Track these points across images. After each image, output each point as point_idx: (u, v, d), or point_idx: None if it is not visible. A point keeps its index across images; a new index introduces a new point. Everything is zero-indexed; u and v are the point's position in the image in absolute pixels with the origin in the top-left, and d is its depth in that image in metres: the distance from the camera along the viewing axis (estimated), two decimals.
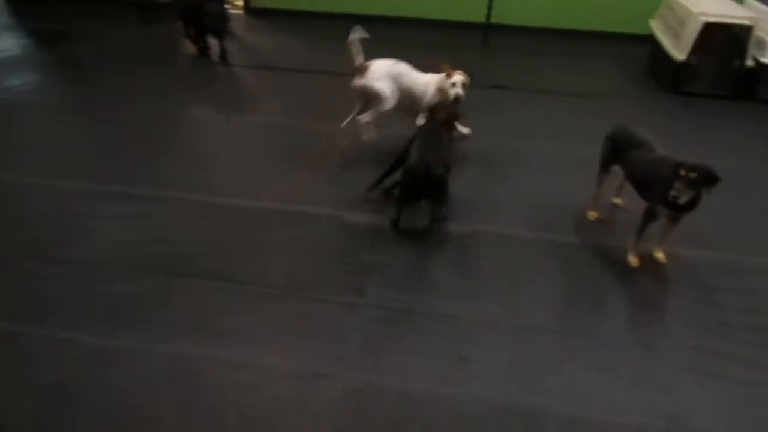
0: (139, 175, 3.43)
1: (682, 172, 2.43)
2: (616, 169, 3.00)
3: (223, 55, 5.29)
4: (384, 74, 3.53)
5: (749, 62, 4.67)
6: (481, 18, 5.89)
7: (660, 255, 2.83)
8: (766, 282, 2.75)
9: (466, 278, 2.69)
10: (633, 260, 2.79)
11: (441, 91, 3.51)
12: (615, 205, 3.20)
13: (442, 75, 3.53)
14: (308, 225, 3.01)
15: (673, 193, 2.45)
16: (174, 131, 4.10)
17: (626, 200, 3.14)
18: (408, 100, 3.64)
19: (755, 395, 2.17)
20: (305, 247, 2.86)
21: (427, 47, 5.76)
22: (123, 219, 3.02)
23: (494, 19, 5.88)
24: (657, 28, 5.36)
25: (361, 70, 3.54)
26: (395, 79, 3.57)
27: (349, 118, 3.76)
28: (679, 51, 4.73)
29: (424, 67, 3.70)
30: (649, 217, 2.69)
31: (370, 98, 3.58)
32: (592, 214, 3.14)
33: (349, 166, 3.59)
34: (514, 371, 2.21)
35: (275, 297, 2.52)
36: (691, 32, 4.61)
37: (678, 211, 2.61)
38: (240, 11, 6.83)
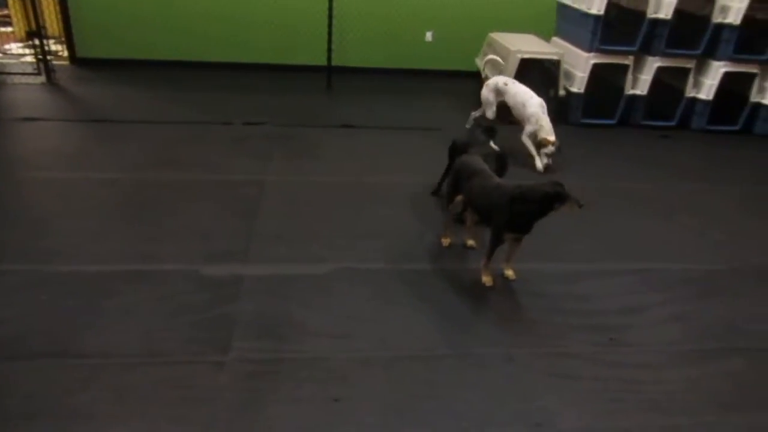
0: None
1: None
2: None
3: None
4: (492, 87, 4.53)
5: (561, 91, 5.29)
6: (323, 61, 6.06)
7: (509, 272, 3.05)
8: (598, 286, 3.08)
9: (333, 318, 2.69)
10: (487, 280, 2.98)
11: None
12: (468, 247, 3.30)
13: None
14: (161, 284, 2.82)
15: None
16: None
17: (477, 237, 3.30)
18: (516, 114, 4.50)
19: (607, 388, 2.39)
20: (160, 308, 2.67)
21: (273, 91, 5.82)
22: None
23: (335, 62, 6.08)
24: (482, 64, 5.88)
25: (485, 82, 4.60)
26: (500, 93, 4.52)
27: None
28: None
29: None
30: (496, 241, 2.89)
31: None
32: (446, 241, 3.31)
33: (204, 215, 3.45)
34: (389, 404, 2.23)
35: (131, 367, 2.32)
36: (511, 67, 5.13)
37: (520, 233, 2.84)
38: (65, 62, 6.35)
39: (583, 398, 2.33)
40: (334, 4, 5.78)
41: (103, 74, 6.08)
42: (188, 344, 2.45)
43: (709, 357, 2.62)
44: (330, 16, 5.78)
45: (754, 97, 5.46)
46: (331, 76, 6.08)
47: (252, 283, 2.87)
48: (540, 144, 4.33)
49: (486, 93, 4.58)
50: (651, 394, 2.38)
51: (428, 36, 6.62)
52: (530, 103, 4.36)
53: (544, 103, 4.35)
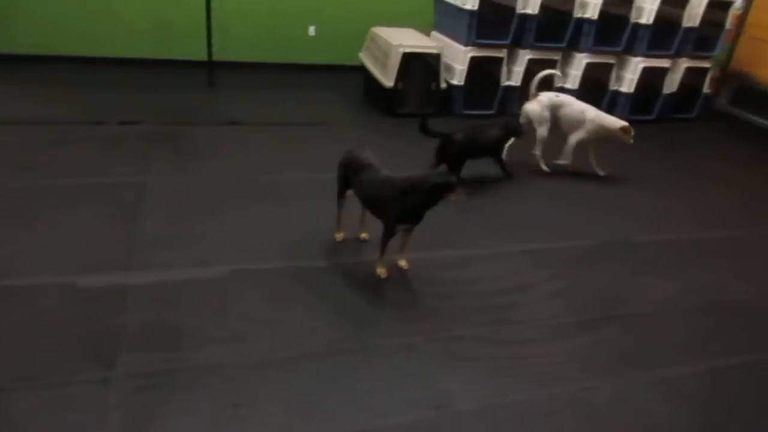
0: None
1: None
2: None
3: None
4: (547, 104, 4.40)
5: (443, 84, 5.47)
6: (203, 56, 5.81)
7: (403, 262, 3.11)
8: (486, 269, 3.23)
9: (227, 322, 2.60)
10: (381, 272, 3.02)
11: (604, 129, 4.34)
12: (362, 240, 3.31)
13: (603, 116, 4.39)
14: (33, 300, 2.57)
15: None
16: None
17: (369, 229, 3.30)
18: (569, 124, 4.44)
19: (500, 366, 2.52)
20: (33, 327, 2.43)
21: (150, 88, 5.50)
22: None
23: (217, 57, 5.85)
24: (366, 59, 5.94)
25: (532, 97, 4.44)
26: (553, 108, 4.38)
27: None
28: (387, 78, 5.31)
29: None
30: (389, 233, 2.93)
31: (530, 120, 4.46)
32: (339, 236, 3.31)
33: (77, 223, 3.18)
34: (292, 403, 2.20)
35: (2, 396, 2.10)
36: (394, 62, 5.22)
37: (412, 223, 2.91)
38: None
39: (478, 377, 2.44)
40: None
41: None
42: (68, 363, 2.26)
43: (588, 327, 2.84)
44: (208, 9, 5.54)
45: (612, 86, 5.96)
46: (213, 71, 5.84)
47: (137, 293, 2.70)
48: (617, 136, 4.32)
49: (540, 110, 4.41)
50: (540, 367, 2.54)
51: (311, 30, 6.57)
52: (588, 108, 4.41)
53: None
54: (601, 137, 4.43)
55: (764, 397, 2.53)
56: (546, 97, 4.45)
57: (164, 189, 3.67)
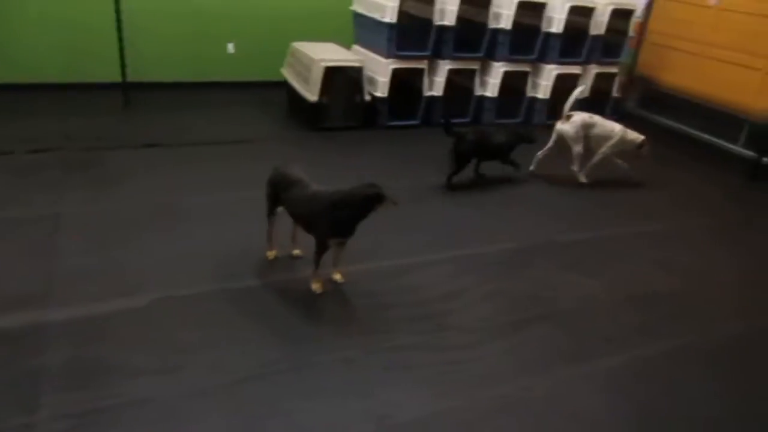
0: None
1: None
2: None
3: None
4: (580, 124, 4.61)
5: (367, 97, 5.52)
6: (117, 77, 5.59)
7: (337, 276, 3.10)
8: (420, 278, 3.27)
9: (158, 353, 2.49)
10: (316, 287, 2.99)
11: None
12: (295, 257, 3.28)
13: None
14: None
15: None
16: None
17: (302, 246, 3.27)
18: (597, 142, 4.72)
19: (439, 374, 2.54)
20: None
21: (62, 114, 5.23)
22: None
23: (132, 78, 5.65)
24: (288, 74, 5.91)
25: (565, 119, 4.65)
26: (585, 128, 4.62)
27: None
28: (311, 93, 5.30)
29: None
30: (322, 248, 2.92)
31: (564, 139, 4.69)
32: (271, 254, 3.26)
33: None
34: (229, 428, 2.14)
35: None
36: (317, 76, 5.22)
37: (344, 237, 2.90)
38: None
39: (418, 386, 2.46)
40: (124, 17, 5.37)
41: None
42: None
43: (520, 327, 2.93)
44: (119, 28, 5.35)
45: (529, 92, 6.21)
46: (127, 92, 5.63)
47: (58, 330, 2.55)
48: (634, 150, 4.71)
49: (574, 132, 4.63)
50: (477, 370, 2.59)
51: (230, 47, 6.47)
52: (615, 125, 4.71)
53: None
54: (621, 151, 4.77)
55: (688, 379, 2.68)
56: (579, 117, 4.69)
57: (81, 219, 3.50)
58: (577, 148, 4.71)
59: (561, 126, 4.71)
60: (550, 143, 4.78)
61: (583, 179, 4.84)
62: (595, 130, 4.71)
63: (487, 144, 4.49)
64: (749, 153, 5.68)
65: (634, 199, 4.70)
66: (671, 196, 4.83)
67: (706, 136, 6.12)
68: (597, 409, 2.45)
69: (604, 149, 4.74)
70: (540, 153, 4.85)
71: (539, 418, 2.36)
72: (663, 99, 6.52)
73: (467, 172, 4.48)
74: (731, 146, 5.97)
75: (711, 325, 3.11)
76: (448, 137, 4.30)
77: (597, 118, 4.75)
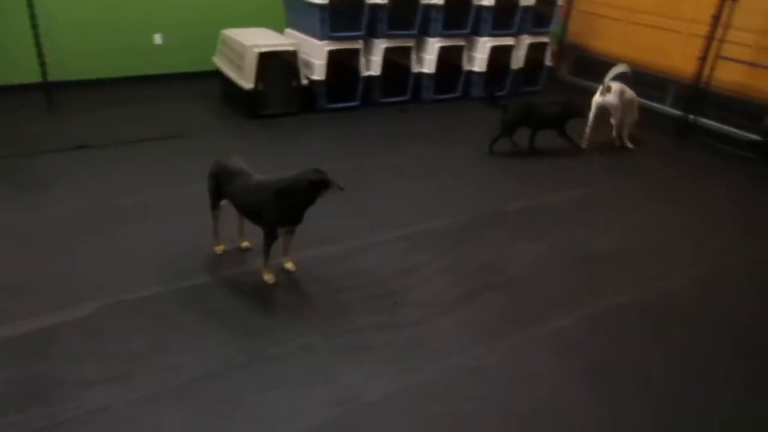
0: None
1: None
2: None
3: None
4: (619, 93, 4.87)
5: (304, 81, 5.43)
6: (37, 77, 5.29)
7: (289, 265, 3.07)
8: (371, 258, 3.27)
9: (108, 361, 2.41)
10: (268, 278, 2.96)
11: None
12: (244, 249, 3.23)
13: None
14: None
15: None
16: None
17: (250, 237, 3.21)
18: (626, 107, 5.03)
19: (398, 350, 2.57)
20: None
21: None
22: None
23: (53, 77, 5.36)
24: (221, 63, 5.74)
25: (606, 90, 4.87)
26: (622, 95, 4.90)
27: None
28: (246, 81, 5.17)
29: None
30: (270, 237, 2.87)
31: (607, 109, 4.94)
32: (218, 249, 3.19)
33: None
34: (190, 429, 2.10)
35: None
36: (251, 63, 5.09)
37: (293, 224, 2.87)
38: None
39: (379, 365, 2.48)
40: (38, 12, 5.06)
41: None
42: None
43: (473, 297, 2.98)
44: (34, 25, 5.05)
45: (465, 66, 6.26)
46: (50, 92, 5.34)
47: (1, 349, 2.43)
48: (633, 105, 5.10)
49: (618, 100, 4.88)
50: (434, 344, 2.63)
51: (157, 38, 6.22)
52: (629, 89, 5.01)
53: None
54: (627, 110, 5.09)
55: (634, 333, 2.81)
56: (618, 87, 4.91)
57: (10, 230, 3.32)
58: (618, 117, 4.99)
59: (604, 98, 4.91)
60: (591, 117, 4.96)
61: (629, 144, 5.17)
62: (627, 96, 5.02)
63: (533, 115, 4.77)
64: (676, 112, 5.94)
65: (569, 165, 4.83)
66: (608, 160, 5.00)
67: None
68: (550, 369, 2.53)
69: (620, 114, 5.02)
70: (587, 129, 5.02)
71: (497, 383, 2.42)
72: (593, 65, 6.70)
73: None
74: (660, 106, 6.23)
75: (653, 281, 3.26)
76: (492, 111, 4.61)
77: (624, 86, 5.01)
